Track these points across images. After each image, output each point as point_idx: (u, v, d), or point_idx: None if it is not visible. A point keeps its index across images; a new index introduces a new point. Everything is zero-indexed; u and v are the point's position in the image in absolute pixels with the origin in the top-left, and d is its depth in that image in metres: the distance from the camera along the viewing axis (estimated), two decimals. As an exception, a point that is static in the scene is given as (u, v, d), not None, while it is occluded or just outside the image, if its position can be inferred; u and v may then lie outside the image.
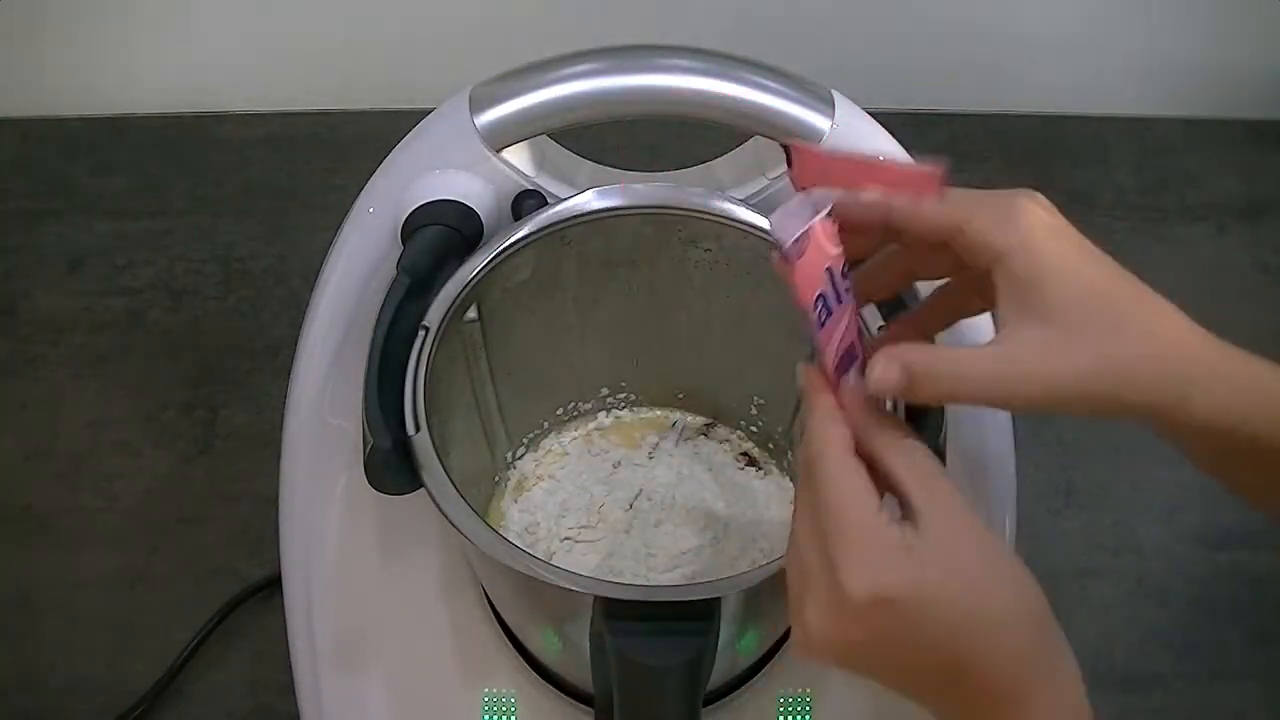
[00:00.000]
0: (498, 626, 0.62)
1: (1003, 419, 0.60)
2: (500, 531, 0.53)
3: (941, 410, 0.49)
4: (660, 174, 0.60)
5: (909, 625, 0.39)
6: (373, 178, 0.59)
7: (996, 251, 0.41)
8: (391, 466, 0.48)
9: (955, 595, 0.39)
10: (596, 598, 0.47)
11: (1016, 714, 0.40)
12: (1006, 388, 0.40)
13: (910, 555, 0.39)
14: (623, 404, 0.69)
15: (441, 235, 0.55)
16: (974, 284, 0.43)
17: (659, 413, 0.69)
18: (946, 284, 0.46)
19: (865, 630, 0.39)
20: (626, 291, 0.62)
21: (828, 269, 0.41)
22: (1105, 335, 0.40)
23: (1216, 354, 0.42)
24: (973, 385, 0.40)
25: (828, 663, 0.41)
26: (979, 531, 0.40)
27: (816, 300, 0.41)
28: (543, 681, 0.61)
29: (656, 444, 0.68)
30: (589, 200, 0.56)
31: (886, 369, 0.40)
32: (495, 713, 0.61)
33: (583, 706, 0.61)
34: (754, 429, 0.67)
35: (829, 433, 0.41)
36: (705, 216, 0.56)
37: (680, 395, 0.68)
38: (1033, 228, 0.41)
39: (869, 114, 0.58)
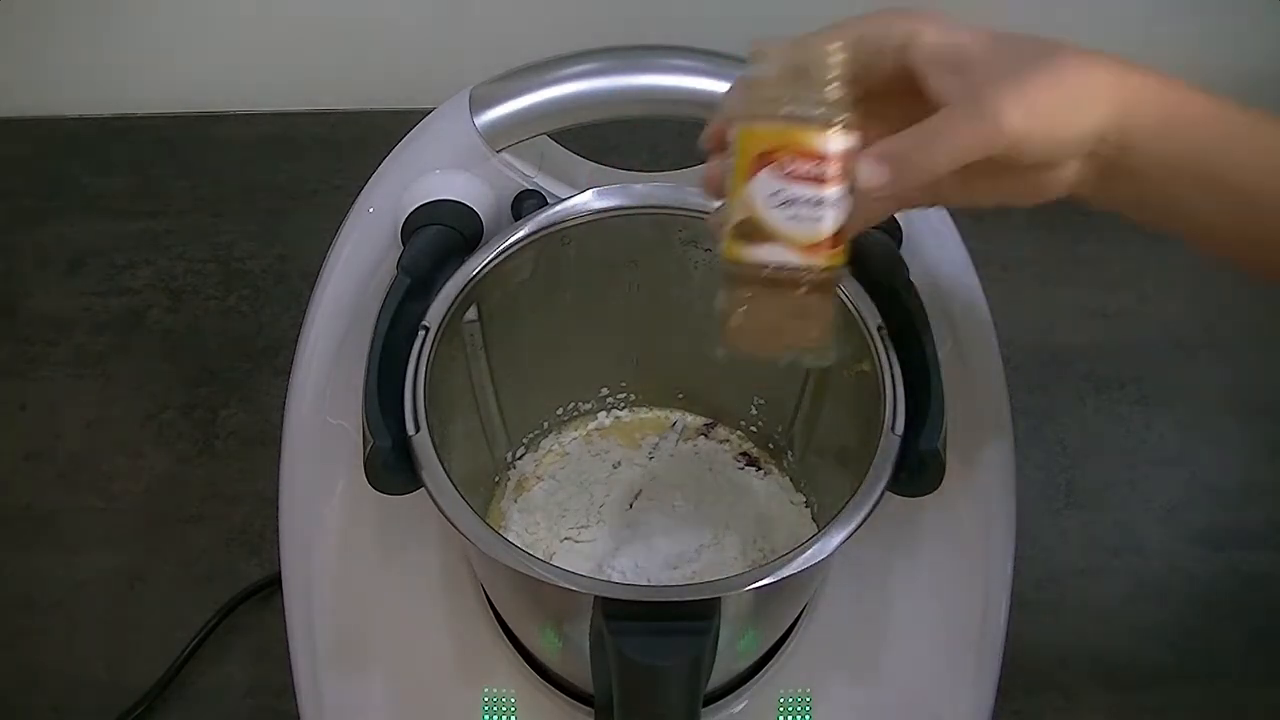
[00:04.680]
0: (498, 626, 0.62)
1: (1002, 419, 0.60)
2: (500, 531, 0.53)
3: (942, 410, 0.49)
4: (660, 174, 0.60)
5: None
6: (373, 178, 0.59)
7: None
8: (391, 466, 0.48)
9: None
10: (596, 598, 0.47)
11: None
12: (982, 134, 0.41)
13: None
14: (623, 404, 0.69)
15: (441, 235, 0.55)
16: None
17: (659, 413, 0.69)
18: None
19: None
20: (626, 291, 0.62)
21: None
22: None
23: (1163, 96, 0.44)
24: (949, 143, 0.41)
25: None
26: None
27: None
28: (543, 681, 0.61)
29: (656, 444, 0.68)
30: (589, 200, 0.56)
31: (872, 170, 0.41)
32: (495, 713, 0.61)
33: (583, 706, 0.61)
34: (754, 429, 0.67)
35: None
36: (705, 216, 0.56)
37: (680, 395, 0.68)
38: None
39: (869, 114, 0.58)
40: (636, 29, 0.62)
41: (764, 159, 0.39)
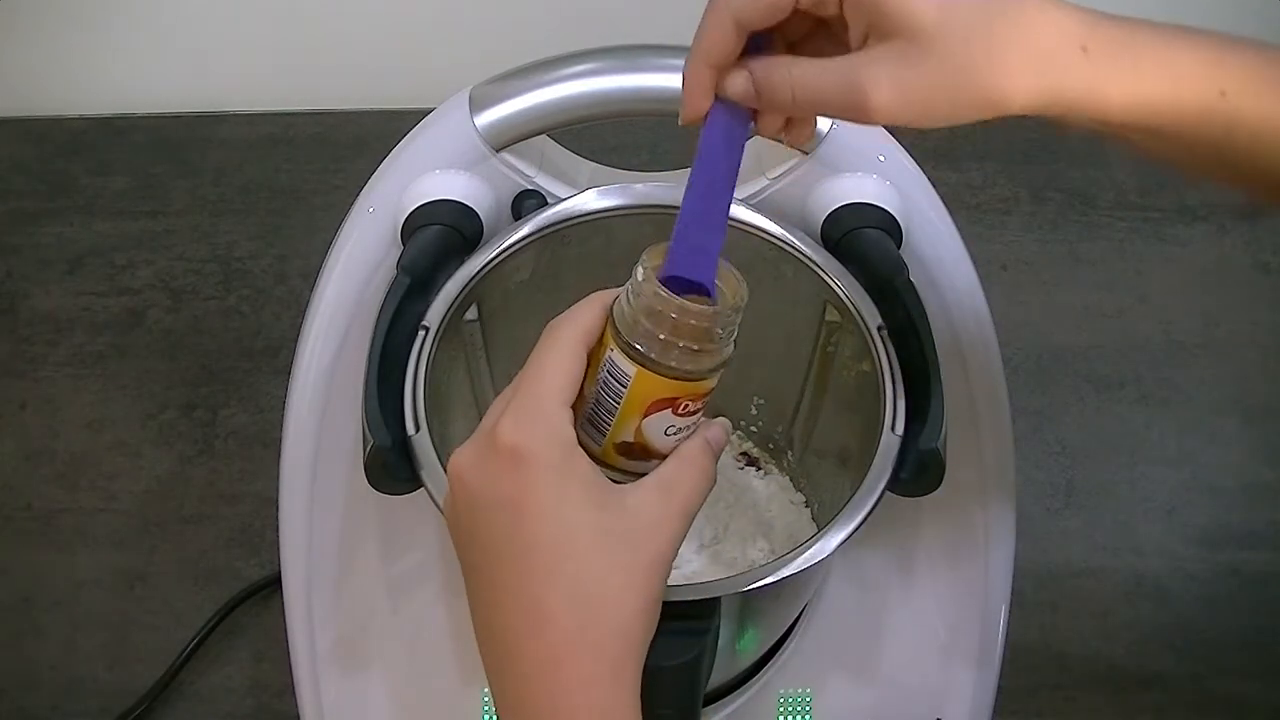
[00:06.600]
0: (498, 626, 0.62)
1: (1002, 419, 0.60)
2: (500, 531, 0.53)
3: (941, 410, 0.49)
4: (660, 174, 0.59)
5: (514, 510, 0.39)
6: (373, 178, 0.59)
7: None
8: (391, 466, 0.48)
9: (576, 526, 0.39)
10: (596, 598, 0.47)
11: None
12: (855, 94, 0.40)
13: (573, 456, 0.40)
14: (623, 404, 0.69)
15: (441, 235, 0.55)
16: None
17: (659, 413, 0.69)
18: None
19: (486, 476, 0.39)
20: (626, 291, 0.62)
21: None
22: (964, 42, 0.39)
23: (1099, 55, 0.41)
24: (818, 89, 0.40)
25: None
26: (657, 526, 0.40)
27: None
28: (543, 681, 0.61)
29: (656, 444, 0.67)
30: (589, 200, 0.56)
31: (734, 78, 0.42)
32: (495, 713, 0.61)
33: (583, 706, 0.61)
34: (754, 429, 0.67)
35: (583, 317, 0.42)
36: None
37: (680, 395, 0.68)
38: None
39: (869, 114, 0.58)
40: (636, 29, 0.62)
41: (660, 404, 0.42)
